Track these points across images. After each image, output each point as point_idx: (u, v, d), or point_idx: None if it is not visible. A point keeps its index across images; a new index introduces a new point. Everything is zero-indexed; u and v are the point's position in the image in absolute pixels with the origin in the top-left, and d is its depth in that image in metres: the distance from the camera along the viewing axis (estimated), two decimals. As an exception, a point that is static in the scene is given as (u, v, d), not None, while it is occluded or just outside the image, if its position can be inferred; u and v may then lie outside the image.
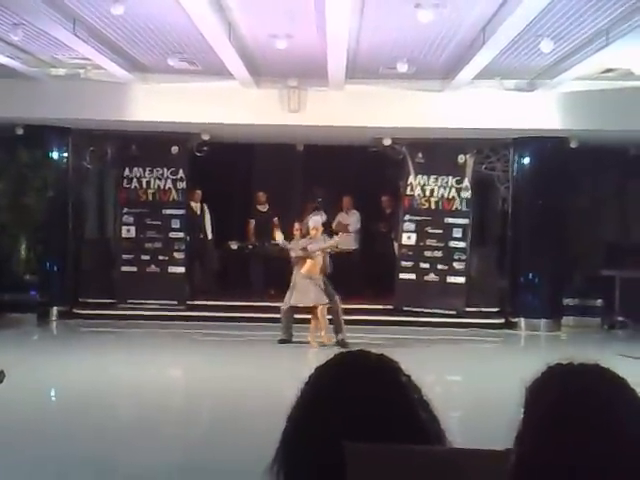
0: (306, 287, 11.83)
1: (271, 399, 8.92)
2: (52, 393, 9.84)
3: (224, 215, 16.27)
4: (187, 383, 10.46)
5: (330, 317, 12.06)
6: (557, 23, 9.74)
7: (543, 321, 14.64)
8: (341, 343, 11.73)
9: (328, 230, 12.78)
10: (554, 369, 1.52)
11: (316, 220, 12.41)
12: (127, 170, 15.10)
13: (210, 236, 15.94)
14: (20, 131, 14.22)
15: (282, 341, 12.19)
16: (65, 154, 14.81)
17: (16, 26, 9.93)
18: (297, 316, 12.32)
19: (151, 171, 15.07)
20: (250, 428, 7.61)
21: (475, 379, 10.69)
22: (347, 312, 12.38)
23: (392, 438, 1.44)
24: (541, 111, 13.74)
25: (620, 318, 14.77)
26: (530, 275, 14.94)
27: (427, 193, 15.05)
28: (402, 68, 11.95)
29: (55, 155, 14.75)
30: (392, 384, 1.52)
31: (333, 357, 1.57)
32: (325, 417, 1.48)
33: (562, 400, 1.44)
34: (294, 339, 12.26)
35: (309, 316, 12.07)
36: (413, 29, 9.98)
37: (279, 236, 12.54)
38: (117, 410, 8.90)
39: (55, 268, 14.83)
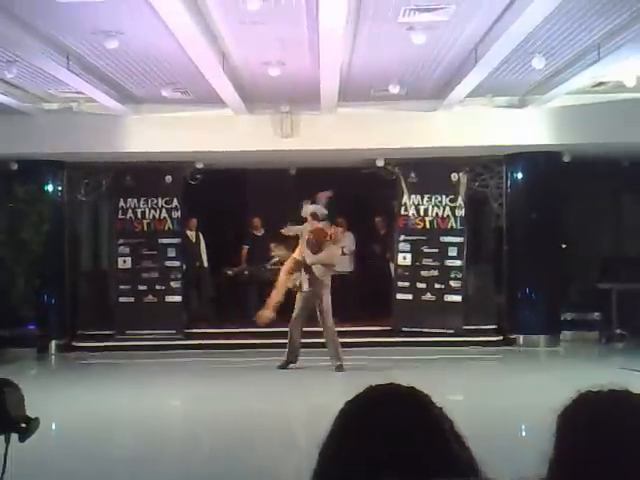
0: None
1: (275, 429, 8.92)
2: (53, 428, 9.76)
3: (220, 242, 16.27)
4: (190, 415, 10.33)
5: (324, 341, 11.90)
6: (548, 40, 9.81)
7: (541, 337, 14.63)
8: (338, 368, 11.69)
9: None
10: (584, 397, 1.54)
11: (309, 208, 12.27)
12: (122, 201, 15.11)
13: (206, 264, 15.93)
14: (14, 166, 14.24)
15: (282, 366, 12.00)
16: (60, 187, 14.83)
17: (10, 63, 9.96)
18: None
19: (146, 201, 15.09)
20: (258, 460, 7.55)
21: (477, 398, 10.61)
22: (345, 335, 12.32)
23: (426, 471, 1.44)
24: (533, 127, 13.81)
25: (618, 331, 14.79)
26: (527, 291, 14.94)
27: (421, 212, 15.09)
28: (394, 89, 12.01)
29: (50, 189, 14.75)
30: (424, 417, 1.52)
31: (363, 391, 1.58)
32: (358, 451, 1.48)
33: (594, 428, 1.46)
34: (292, 366, 12.02)
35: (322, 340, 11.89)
36: (405, 51, 10.05)
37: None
38: (120, 445, 8.80)
39: (53, 301, 14.77)
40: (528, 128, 13.80)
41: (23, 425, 3.19)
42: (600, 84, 12.21)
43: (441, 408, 1.56)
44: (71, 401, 10.65)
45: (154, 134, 13.64)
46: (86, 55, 10.19)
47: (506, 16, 8.68)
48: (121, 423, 9.52)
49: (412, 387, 1.61)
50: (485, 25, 9.19)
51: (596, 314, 15.16)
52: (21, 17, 8.56)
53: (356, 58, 10.54)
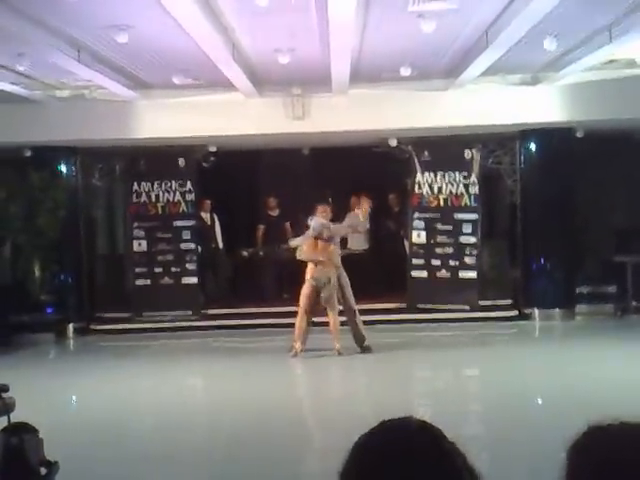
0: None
1: (296, 415, 9.02)
2: (73, 411, 9.89)
3: (234, 223, 16.32)
4: (209, 397, 10.50)
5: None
6: (561, 21, 9.67)
7: (557, 310, 14.62)
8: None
9: None
10: (596, 430, 1.55)
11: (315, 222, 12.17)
12: (136, 185, 15.16)
13: (221, 245, 16.00)
14: (28, 153, 14.30)
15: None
16: (74, 173, 14.93)
17: (21, 56, 9.99)
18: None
19: (159, 184, 15.13)
20: (277, 446, 7.63)
21: (494, 374, 10.75)
22: (360, 312, 12.34)
23: None
24: (545, 103, 13.73)
25: (634, 303, 14.79)
26: (542, 265, 14.93)
27: (435, 190, 15.05)
28: (405, 72, 11.95)
29: (64, 175, 14.85)
30: (436, 451, 1.52)
31: (376, 425, 1.58)
32: None
33: (605, 463, 1.47)
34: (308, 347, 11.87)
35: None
36: (416, 36, 9.96)
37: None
38: (140, 430, 8.87)
39: (70, 286, 14.93)
40: (541, 105, 13.72)
41: (44, 471, 3.27)
42: (612, 61, 12.14)
43: (453, 443, 1.55)
44: (90, 384, 10.79)
45: (166, 119, 13.64)
46: (97, 48, 10.21)
47: (517, 1, 8.59)
48: (141, 406, 9.66)
49: (424, 421, 1.58)
50: (496, 10, 9.10)
51: (611, 287, 15.15)
52: (32, 14, 8.58)
53: (366, 43, 10.47)
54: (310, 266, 11.60)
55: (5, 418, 4.27)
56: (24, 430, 3.88)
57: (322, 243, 11.60)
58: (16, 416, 4.42)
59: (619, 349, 11.78)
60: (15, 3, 8.17)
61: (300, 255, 11.79)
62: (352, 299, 11.72)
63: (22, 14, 8.49)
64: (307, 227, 11.98)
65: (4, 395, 4.33)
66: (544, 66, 12.63)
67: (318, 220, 11.78)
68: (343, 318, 11.79)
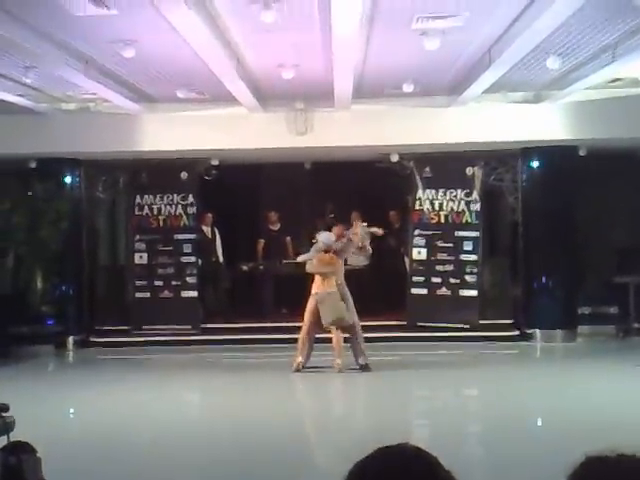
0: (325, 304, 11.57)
1: (294, 433, 8.96)
2: (73, 427, 9.86)
3: (235, 237, 16.32)
4: (207, 414, 10.42)
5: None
6: (564, 40, 9.72)
7: (558, 331, 14.54)
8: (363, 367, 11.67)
9: None
10: (594, 460, 1.55)
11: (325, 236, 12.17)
12: (138, 197, 15.21)
13: (221, 259, 15.99)
14: (33, 164, 14.35)
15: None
16: (78, 185, 14.97)
17: (28, 69, 10.04)
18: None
19: (162, 198, 15.18)
20: (274, 463, 7.57)
21: (493, 395, 10.70)
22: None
23: None
24: (548, 121, 13.74)
25: (635, 325, 14.73)
26: (543, 285, 14.87)
27: (436, 207, 15.05)
28: (408, 88, 11.99)
29: (68, 186, 14.89)
30: (432, 479, 1.52)
31: (372, 453, 1.58)
32: None
33: None
34: (309, 364, 11.88)
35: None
36: (419, 54, 9.99)
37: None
38: (139, 445, 8.80)
39: (71, 298, 14.91)
40: (543, 123, 13.73)
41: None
42: (616, 80, 12.15)
43: (449, 471, 1.54)
44: (89, 397, 10.73)
45: (170, 132, 13.72)
46: (103, 62, 10.28)
47: (521, 20, 8.62)
48: (140, 420, 9.57)
49: (420, 448, 1.58)
50: (499, 29, 9.13)
51: (613, 308, 15.09)
52: (39, 27, 8.64)
53: (369, 59, 10.51)
54: (316, 281, 11.59)
55: (3, 437, 4.24)
56: (22, 450, 3.87)
57: (331, 257, 11.64)
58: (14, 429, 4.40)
59: (621, 372, 11.72)
60: (23, 16, 8.22)
61: (310, 268, 11.79)
62: (355, 315, 11.69)
63: (29, 27, 8.55)
64: (312, 240, 12.05)
65: (4, 414, 4.30)
66: (547, 84, 12.64)
67: (328, 234, 11.86)
68: (346, 335, 11.75)
